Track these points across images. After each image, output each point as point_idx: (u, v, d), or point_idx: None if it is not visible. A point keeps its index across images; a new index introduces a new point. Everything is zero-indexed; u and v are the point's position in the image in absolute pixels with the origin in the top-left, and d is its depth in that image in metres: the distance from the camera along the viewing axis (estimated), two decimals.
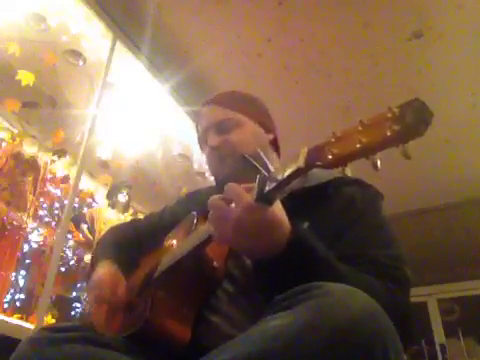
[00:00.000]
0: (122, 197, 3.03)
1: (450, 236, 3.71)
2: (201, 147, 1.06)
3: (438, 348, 3.57)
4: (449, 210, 3.74)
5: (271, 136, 1.03)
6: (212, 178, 1.05)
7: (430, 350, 3.56)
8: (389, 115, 0.47)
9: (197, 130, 1.06)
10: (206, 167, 2.97)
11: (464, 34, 2.33)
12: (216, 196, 0.65)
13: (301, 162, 0.54)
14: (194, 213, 0.87)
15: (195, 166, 3.09)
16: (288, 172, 0.56)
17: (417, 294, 3.35)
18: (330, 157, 0.51)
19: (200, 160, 3.02)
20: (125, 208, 3.08)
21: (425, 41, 2.37)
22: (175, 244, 0.87)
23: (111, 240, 1.07)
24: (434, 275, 3.67)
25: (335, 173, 0.81)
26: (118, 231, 1.13)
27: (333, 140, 0.52)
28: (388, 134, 0.47)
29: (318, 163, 0.53)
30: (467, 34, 2.33)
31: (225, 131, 0.97)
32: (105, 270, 0.91)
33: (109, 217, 2.93)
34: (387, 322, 0.50)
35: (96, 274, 0.90)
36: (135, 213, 3.39)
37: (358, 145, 0.49)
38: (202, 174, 3.09)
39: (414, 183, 3.44)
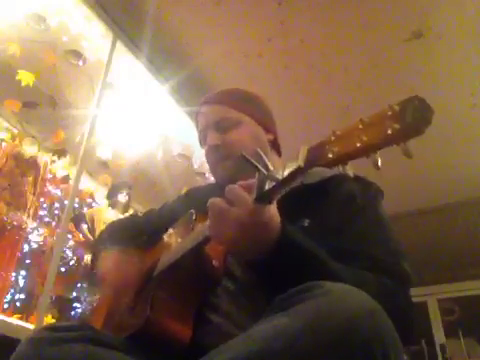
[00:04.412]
0: (122, 197, 3.03)
1: (450, 236, 3.71)
2: (201, 146, 1.05)
3: (438, 348, 3.57)
4: (449, 210, 3.74)
5: (271, 136, 1.02)
6: (212, 178, 1.05)
7: (430, 350, 3.56)
8: (389, 113, 0.47)
9: (197, 129, 1.06)
10: (206, 167, 2.98)
11: (464, 34, 2.33)
12: (217, 199, 0.65)
13: (301, 161, 0.53)
14: (192, 211, 0.86)
15: (195, 166, 3.09)
16: (288, 171, 0.56)
17: (417, 294, 3.34)
18: (330, 156, 0.51)
19: (200, 160, 3.02)
20: (125, 208, 3.08)
21: (425, 41, 2.36)
22: (174, 242, 0.87)
23: (113, 234, 1.07)
24: (434, 275, 3.67)
25: (336, 170, 0.81)
26: (118, 226, 1.13)
27: (333, 138, 0.51)
28: (389, 132, 0.46)
29: (318, 162, 0.52)
30: (467, 34, 2.33)
31: (224, 130, 0.96)
32: (114, 258, 0.92)
33: (109, 217, 2.92)
34: (387, 321, 0.50)
35: (105, 265, 0.91)
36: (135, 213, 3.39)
37: (359, 144, 0.48)
38: (202, 174, 3.09)
39: (414, 183, 3.44)
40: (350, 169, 0.52)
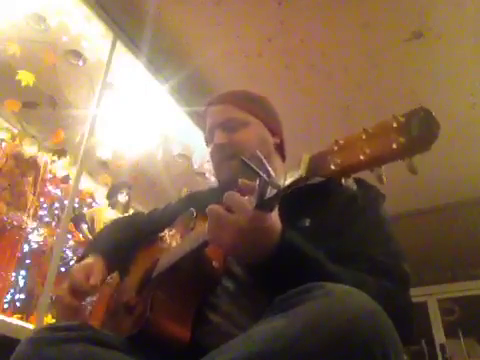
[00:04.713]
0: (122, 197, 3.02)
1: (450, 236, 3.71)
2: (207, 145, 1.05)
3: (438, 348, 3.57)
4: (449, 210, 3.73)
5: (277, 139, 1.02)
6: (213, 178, 1.05)
7: (430, 350, 3.56)
8: (394, 125, 0.45)
9: (205, 130, 1.06)
10: (206, 167, 2.99)
11: (464, 34, 2.33)
12: (216, 205, 0.65)
13: (303, 171, 0.53)
14: (192, 209, 0.86)
15: (195, 166, 3.08)
16: (289, 181, 0.55)
17: (417, 294, 3.35)
18: (333, 167, 0.49)
19: (200, 160, 3.02)
20: (125, 208, 3.07)
21: (425, 41, 2.36)
22: (173, 242, 0.87)
23: (105, 236, 1.07)
24: (434, 275, 3.67)
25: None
26: (115, 226, 1.12)
27: (336, 148, 0.50)
28: (394, 147, 0.44)
29: (320, 173, 0.51)
30: (467, 34, 2.33)
31: (231, 130, 0.97)
32: (89, 261, 0.91)
33: (109, 217, 2.92)
34: (387, 322, 0.50)
35: (78, 265, 0.91)
36: None
37: (362, 157, 0.46)
38: (202, 174, 3.08)
39: (414, 183, 3.44)
40: (352, 181, 0.51)
